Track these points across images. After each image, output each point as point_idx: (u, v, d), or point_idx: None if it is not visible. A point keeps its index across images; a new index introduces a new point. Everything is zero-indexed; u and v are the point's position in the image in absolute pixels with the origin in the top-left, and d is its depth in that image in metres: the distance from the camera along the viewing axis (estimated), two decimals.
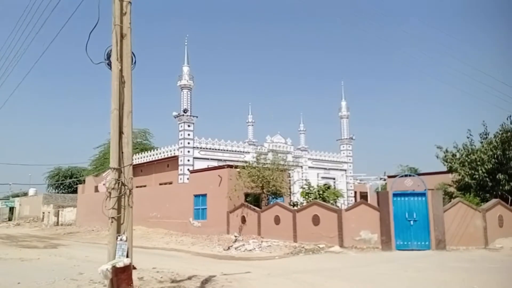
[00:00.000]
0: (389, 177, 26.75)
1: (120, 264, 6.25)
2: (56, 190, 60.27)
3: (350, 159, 44.28)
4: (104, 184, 40.17)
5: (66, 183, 58.27)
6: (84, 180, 41.43)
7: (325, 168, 42.48)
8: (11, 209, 59.97)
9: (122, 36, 6.97)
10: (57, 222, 43.40)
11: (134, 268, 12.78)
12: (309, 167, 41.25)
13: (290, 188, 34.79)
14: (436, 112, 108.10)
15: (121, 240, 6.47)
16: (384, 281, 11.09)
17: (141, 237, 26.06)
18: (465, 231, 16.09)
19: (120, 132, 6.75)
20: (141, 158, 39.65)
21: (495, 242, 16.41)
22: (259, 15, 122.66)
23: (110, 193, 6.57)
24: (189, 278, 11.07)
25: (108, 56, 7.05)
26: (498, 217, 17.30)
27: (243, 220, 21.69)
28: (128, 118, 6.84)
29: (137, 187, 39.13)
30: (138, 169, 40.99)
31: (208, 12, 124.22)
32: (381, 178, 39.06)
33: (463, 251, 15.74)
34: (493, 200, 17.68)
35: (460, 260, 13.92)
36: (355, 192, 43.75)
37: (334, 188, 38.47)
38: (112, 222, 6.52)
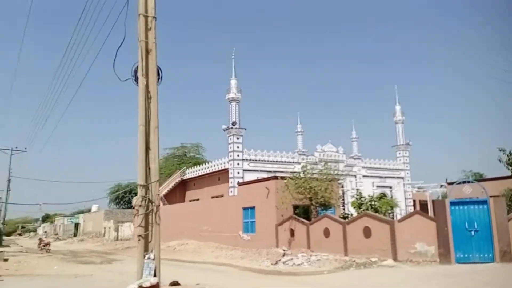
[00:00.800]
0: (449, 184, 24.99)
1: (146, 284, 6.12)
2: (117, 206, 62.92)
3: (407, 166, 42.32)
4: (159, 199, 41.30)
5: (126, 198, 60.65)
6: None
7: (380, 177, 40.89)
8: (76, 225, 63.46)
9: (147, 52, 6.99)
10: (117, 237, 45.18)
11: (178, 284, 12.83)
12: (363, 176, 39.91)
13: (343, 199, 33.87)
14: (502, 112, 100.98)
15: (148, 258, 6.35)
16: None
17: (193, 252, 26.31)
18: None
19: (147, 148, 6.70)
20: (193, 172, 40.44)
21: None
22: (306, 25, 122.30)
23: (137, 210, 6.50)
24: None
25: (135, 72, 7.08)
26: None
27: (292, 233, 21.17)
28: (154, 133, 6.79)
29: (190, 201, 40.03)
30: (191, 183, 41.90)
31: (255, 22, 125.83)
32: (441, 186, 36.76)
33: None
34: None
35: None
36: (414, 201, 41.62)
37: (391, 197, 36.86)
38: (139, 240, 6.41)
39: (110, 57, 7.49)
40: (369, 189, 36.20)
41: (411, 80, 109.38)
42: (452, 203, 15.56)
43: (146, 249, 6.47)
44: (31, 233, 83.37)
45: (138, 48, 6.94)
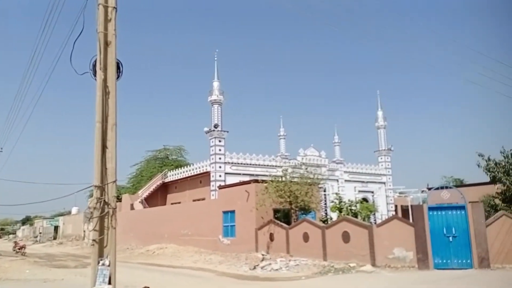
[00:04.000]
0: (429, 189, 24.96)
1: None
2: None
3: (389, 171, 42.39)
4: (139, 202, 40.61)
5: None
6: (120, 198, 42.05)
7: (362, 181, 40.84)
8: (56, 228, 62.04)
9: (106, 44, 6.58)
10: None
11: None
12: (345, 180, 39.82)
13: (325, 203, 33.72)
14: (485, 119, 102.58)
15: (103, 265, 5.91)
16: None
17: (171, 256, 25.81)
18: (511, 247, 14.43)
19: (104, 147, 6.26)
20: (174, 175, 39.87)
21: None
22: (289, 31, 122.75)
23: (91, 213, 6.06)
24: None
25: (93, 66, 6.69)
26: None
27: (271, 237, 20.84)
28: (112, 131, 6.35)
29: (171, 204, 39.38)
30: (173, 186, 41.28)
31: (240, 25, 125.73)
32: (422, 191, 36.86)
33: (510, 270, 14.07)
34: None
35: (506, 281, 12.41)
36: (396, 206, 41.66)
37: (373, 202, 36.82)
38: (93, 245, 5.98)
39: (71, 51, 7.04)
40: (351, 194, 36.11)
41: (394, 86, 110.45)
42: (430, 208, 15.43)
43: (100, 255, 6.02)
44: (11, 236, 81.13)
45: (96, 41, 6.55)
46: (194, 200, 35.09)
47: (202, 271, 18.71)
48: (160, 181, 40.96)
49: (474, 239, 14.69)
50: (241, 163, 33.95)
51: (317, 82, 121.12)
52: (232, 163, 33.50)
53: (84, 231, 49.18)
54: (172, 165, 45.91)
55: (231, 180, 31.54)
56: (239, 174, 33.07)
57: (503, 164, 18.23)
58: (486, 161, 18.59)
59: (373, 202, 36.28)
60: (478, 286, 12.11)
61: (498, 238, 14.55)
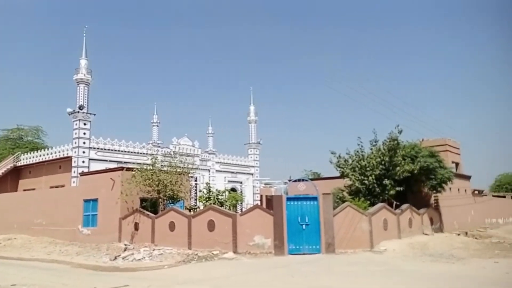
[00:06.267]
0: (290, 181, 27.13)
1: None
2: None
3: (257, 163, 44.71)
4: None
5: None
6: None
7: (232, 172, 42.36)
8: None
9: None
10: None
11: None
12: (217, 170, 40.81)
13: (196, 192, 34.09)
14: (336, 118, 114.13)
15: None
16: None
17: (21, 247, 23.33)
18: (353, 234, 16.60)
19: None
20: (29, 158, 35.98)
21: (380, 244, 17.17)
22: (168, 18, 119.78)
23: None
24: None
25: None
26: (383, 220, 18.18)
27: (136, 227, 20.29)
28: None
29: (24, 190, 35.40)
30: (26, 170, 37.21)
31: (114, 10, 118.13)
32: (285, 182, 39.81)
33: (351, 254, 16.19)
34: (379, 205, 18.56)
35: (346, 264, 14.20)
36: (261, 196, 44.17)
37: (241, 192, 38.47)
38: None
39: None
40: (221, 184, 37.17)
41: (267, 82, 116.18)
42: (288, 199, 16.81)
43: None
44: None
45: None
46: (51, 187, 32.13)
47: (56, 263, 17.38)
48: (11, 165, 36.52)
49: (323, 227, 16.49)
50: (108, 149, 32.26)
51: (196, 72, 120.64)
52: (98, 148, 31.62)
53: None
54: (27, 147, 41.38)
55: (96, 166, 29.77)
56: (106, 160, 31.41)
57: (351, 162, 20.79)
58: (337, 158, 20.99)
59: (241, 192, 37.91)
60: (320, 268, 13.66)
61: (343, 226, 16.59)
